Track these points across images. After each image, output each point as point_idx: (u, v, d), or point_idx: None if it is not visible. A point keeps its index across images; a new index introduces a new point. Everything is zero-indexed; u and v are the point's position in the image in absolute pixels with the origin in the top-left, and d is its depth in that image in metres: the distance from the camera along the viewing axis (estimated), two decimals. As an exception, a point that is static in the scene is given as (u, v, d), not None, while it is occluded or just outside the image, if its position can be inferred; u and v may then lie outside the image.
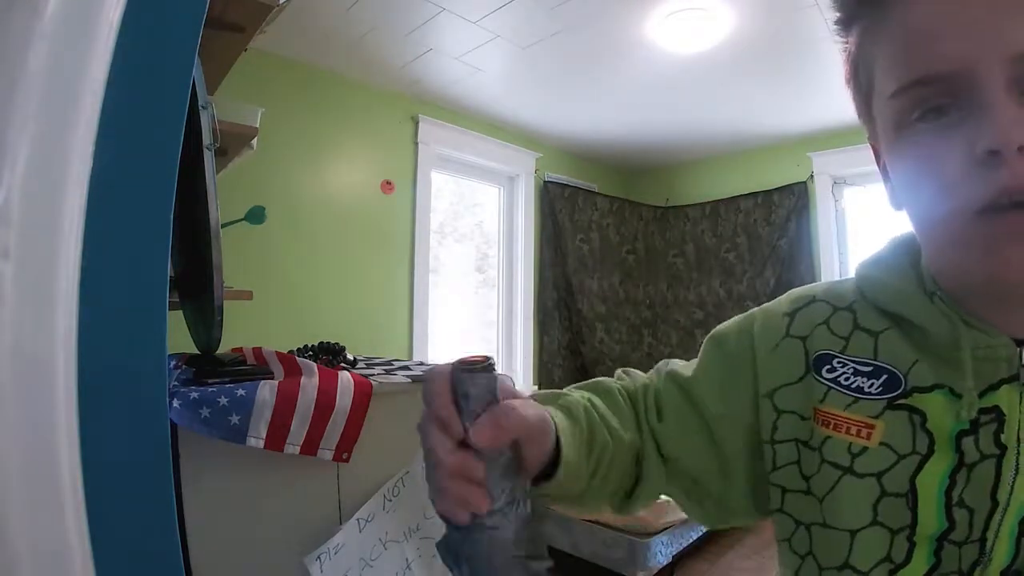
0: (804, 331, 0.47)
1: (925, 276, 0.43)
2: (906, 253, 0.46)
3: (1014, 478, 0.36)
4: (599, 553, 2.16)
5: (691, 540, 2.44)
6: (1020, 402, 0.37)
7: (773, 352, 0.48)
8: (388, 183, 2.98)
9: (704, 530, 2.54)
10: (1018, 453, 0.36)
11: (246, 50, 1.26)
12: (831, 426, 0.43)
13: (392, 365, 1.20)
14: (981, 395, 0.38)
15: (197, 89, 0.67)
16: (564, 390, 0.49)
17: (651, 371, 0.58)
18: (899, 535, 0.39)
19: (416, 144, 3.10)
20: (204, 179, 0.72)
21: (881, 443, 0.41)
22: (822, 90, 2.83)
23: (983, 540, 0.36)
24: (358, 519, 0.89)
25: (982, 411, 0.38)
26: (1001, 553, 0.36)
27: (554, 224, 3.81)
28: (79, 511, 0.36)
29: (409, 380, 0.99)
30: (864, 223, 3.45)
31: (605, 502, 0.50)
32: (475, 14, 2.24)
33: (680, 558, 2.39)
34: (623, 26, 2.30)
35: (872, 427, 0.41)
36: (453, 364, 0.34)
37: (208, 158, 0.73)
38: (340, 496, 0.89)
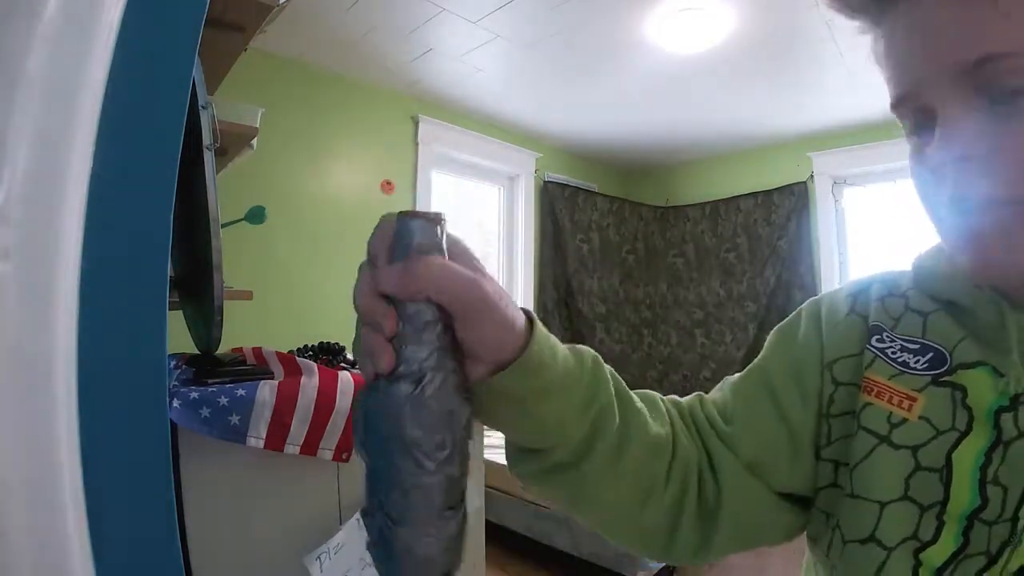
0: (865, 309, 0.48)
1: None
2: None
3: None
4: (599, 553, 2.16)
5: (691, 540, 2.44)
6: None
7: (837, 326, 0.48)
8: (388, 183, 2.98)
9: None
10: None
11: (246, 50, 1.26)
12: (873, 393, 0.43)
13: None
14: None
15: (197, 89, 0.67)
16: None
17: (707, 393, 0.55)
18: (928, 512, 0.39)
19: (416, 144, 3.10)
20: (204, 179, 0.72)
21: (921, 416, 0.41)
22: (822, 90, 2.83)
23: (1015, 519, 0.36)
24: (358, 519, 0.89)
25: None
26: None
27: (554, 224, 3.81)
28: (79, 511, 0.36)
29: (409, 380, 0.99)
30: (864, 223, 3.45)
31: (630, 517, 0.43)
32: (475, 14, 2.24)
33: (680, 558, 2.38)
34: (623, 26, 2.30)
35: (914, 399, 0.41)
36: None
37: (208, 158, 0.73)
38: (340, 496, 0.89)
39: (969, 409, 0.39)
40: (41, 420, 0.34)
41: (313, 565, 0.82)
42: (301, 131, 2.64)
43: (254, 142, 1.51)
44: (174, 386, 0.76)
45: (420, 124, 3.09)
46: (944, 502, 0.38)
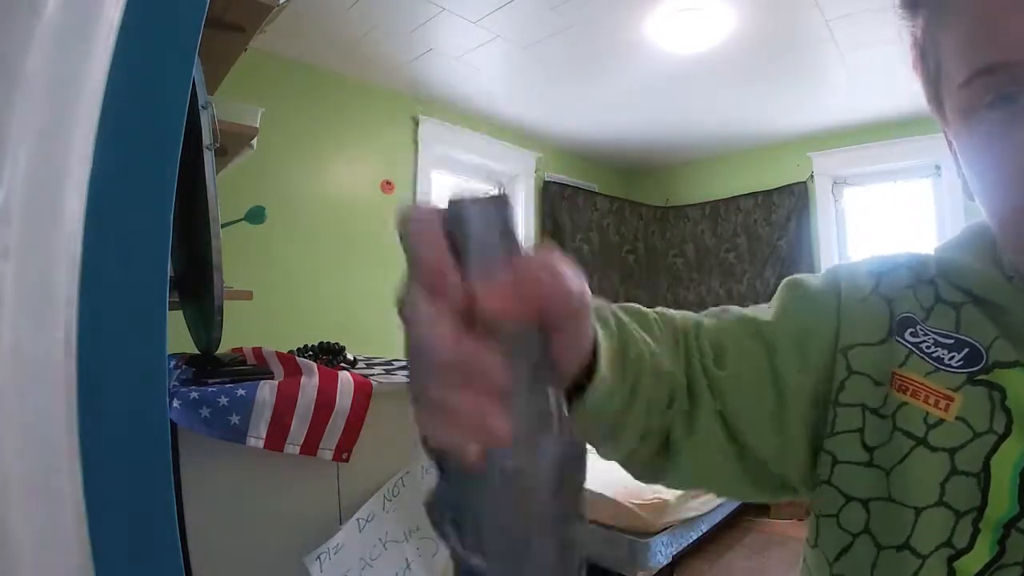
0: (891, 293, 0.44)
1: (1004, 262, 0.41)
2: (983, 239, 0.43)
3: None
4: (599, 553, 2.16)
5: (691, 540, 2.44)
6: None
7: (856, 306, 0.44)
8: (388, 183, 2.98)
9: (704, 530, 2.55)
10: None
11: (246, 50, 1.26)
12: (909, 392, 0.40)
13: (392, 365, 1.20)
14: None
15: (197, 89, 0.67)
16: None
17: (700, 313, 0.48)
18: (964, 518, 0.36)
19: (416, 144, 3.10)
20: (204, 179, 0.72)
21: (958, 417, 0.38)
22: (822, 90, 2.83)
23: None
24: (358, 519, 0.89)
25: None
26: None
27: (554, 224, 3.80)
28: (79, 511, 0.36)
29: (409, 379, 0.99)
30: (864, 223, 3.45)
31: (630, 452, 0.41)
32: (475, 14, 2.24)
33: (680, 558, 2.39)
34: (623, 26, 2.30)
35: (951, 399, 0.38)
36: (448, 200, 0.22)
37: (208, 158, 0.73)
38: (340, 496, 0.89)
39: (1008, 411, 0.36)
40: (41, 420, 0.34)
41: (313, 565, 0.82)
42: (301, 131, 2.64)
43: (254, 142, 1.51)
44: (174, 386, 0.76)
45: (420, 124, 3.09)
46: (981, 508, 0.36)
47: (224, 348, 0.94)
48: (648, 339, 0.39)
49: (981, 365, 0.38)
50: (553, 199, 3.79)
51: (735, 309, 0.47)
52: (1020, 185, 0.34)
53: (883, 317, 0.43)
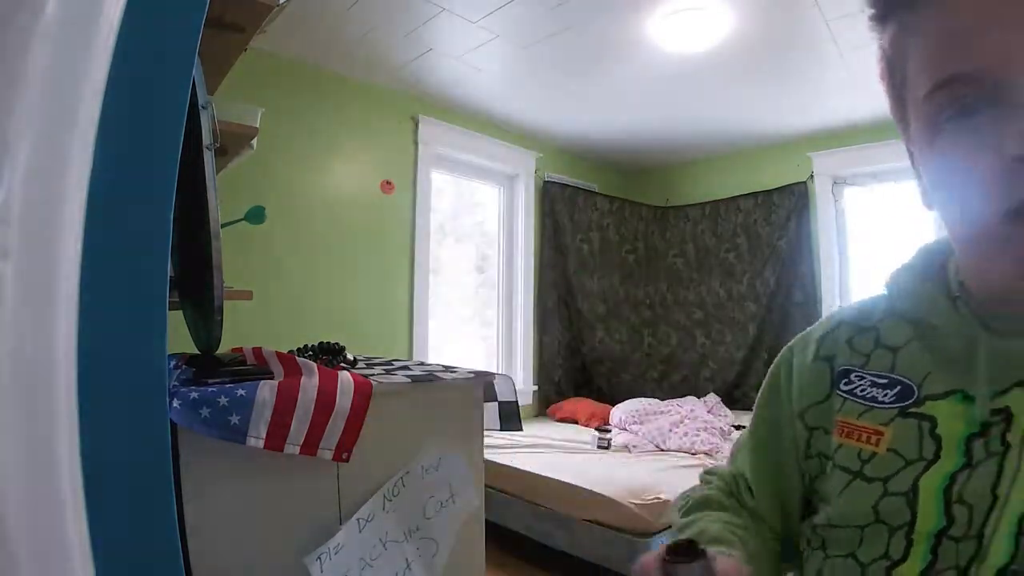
0: (830, 352, 0.50)
1: (952, 281, 0.44)
2: (933, 259, 0.47)
3: (1015, 476, 0.36)
4: (599, 553, 2.16)
5: (691, 540, 2.44)
6: None
7: (807, 372, 0.51)
8: (388, 183, 2.98)
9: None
10: (1020, 452, 0.37)
11: (246, 50, 1.26)
12: (844, 434, 0.46)
13: (392, 365, 1.20)
14: (994, 397, 0.39)
15: (197, 89, 0.67)
16: (707, 524, 0.52)
17: (727, 467, 0.62)
18: (898, 532, 0.40)
19: (416, 144, 3.10)
20: (204, 179, 0.72)
21: (889, 449, 0.43)
22: (822, 90, 2.83)
23: (980, 536, 0.37)
24: (358, 519, 0.89)
25: (993, 412, 0.39)
26: (999, 550, 0.36)
27: (554, 224, 3.80)
28: (79, 511, 0.36)
29: (409, 380, 0.99)
30: (864, 223, 3.45)
31: None
32: (475, 14, 2.24)
33: (680, 558, 2.38)
34: (623, 26, 2.30)
35: (881, 434, 0.43)
36: (660, 554, 0.37)
37: (208, 158, 0.73)
38: (340, 496, 0.89)
39: (938, 438, 0.41)
40: (41, 420, 0.34)
41: (313, 565, 0.82)
42: (301, 131, 2.64)
43: (254, 142, 1.50)
44: (174, 386, 0.76)
45: (420, 124, 3.09)
46: (912, 523, 0.40)
47: (224, 348, 0.94)
48: (742, 531, 0.51)
49: (912, 399, 0.43)
50: (553, 199, 3.79)
51: (743, 441, 0.59)
52: (975, 195, 0.35)
53: (825, 377, 0.49)
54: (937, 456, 0.40)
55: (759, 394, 0.57)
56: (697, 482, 0.64)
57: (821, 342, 0.51)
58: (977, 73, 0.34)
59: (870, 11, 0.41)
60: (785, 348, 0.56)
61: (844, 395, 0.47)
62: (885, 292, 0.49)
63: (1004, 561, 0.36)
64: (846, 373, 0.48)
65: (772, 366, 0.56)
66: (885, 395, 0.44)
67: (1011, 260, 0.36)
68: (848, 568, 0.43)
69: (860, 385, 0.46)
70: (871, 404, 0.45)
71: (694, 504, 0.57)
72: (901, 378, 0.44)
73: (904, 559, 0.40)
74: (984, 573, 0.36)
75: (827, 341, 0.51)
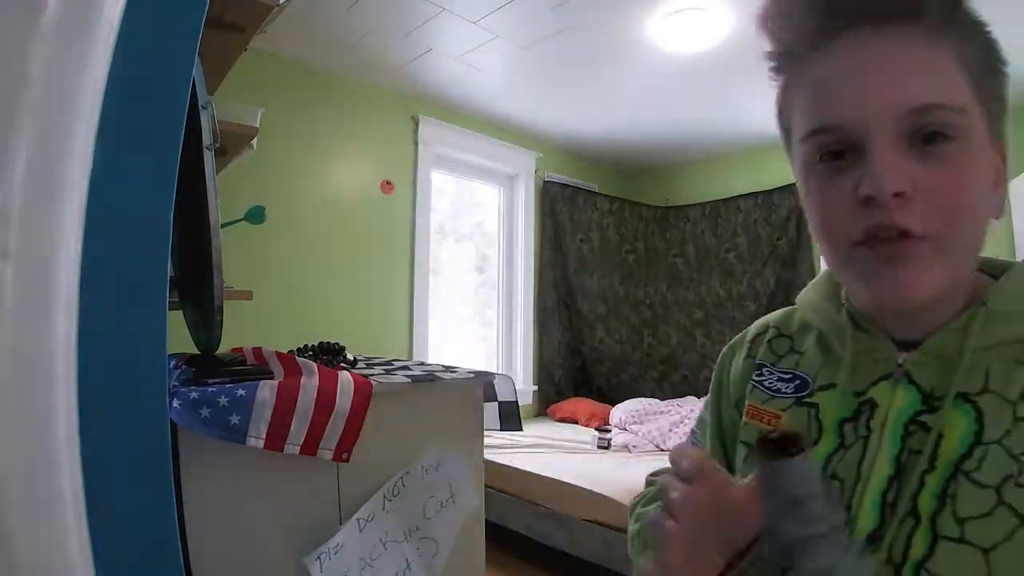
0: (755, 352, 0.59)
1: (844, 296, 0.53)
2: (830, 280, 0.56)
3: (875, 455, 0.44)
4: (599, 553, 2.16)
5: (691, 540, 2.44)
6: (892, 395, 0.45)
7: (738, 371, 0.60)
8: (388, 183, 2.98)
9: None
10: (881, 436, 0.44)
11: (246, 50, 1.26)
12: (750, 415, 0.55)
13: (392, 365, 1.20)
14: (865, 390, 0.47)
15: (197, 89, 0.67)
16: None
17: None
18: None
19: (416, 144, 3.10)
20: (204, 179, 0.72)
21: None
22: (822, 90, 2.83)
23: (849, 507, 0.44)
24: (358, 519, 0.89)
25: (863, 403, 0.47)
26: (865, 519, 0.43)
27: (554, 224, 3.80)
28: (79, 511, 0.36)
29: (409, 380, 0.99)
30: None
31: None
32: (475, 14, 2.24)
33: (680, 558, 2.38)
34: (623, 26, 2.31)
35: (779, 417, 0.52)
36: (756, 447, 0.37)
37: (208, 158, 0.73)
38: (340, 496, 0.89)
39: (820, 422, 0.49)
40: (41, 420, 0.34)
41: (313, 565, 0.82)
42: (301, 131, 2.64)
43: (254, 142, 1.51)
44: (174, 386, 0.76)
45: (420, 124, 3.09)
46: None
47: (224, 348, 0.94)
48: None
49: (807, 391, 0.52)
50: (553, 199, 3.79)
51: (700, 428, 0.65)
52: (840, 229, 0.42)
53: (748, 369, 0.58)
54: (820, 436, 0.48)
55: (711, 384, 0.64)
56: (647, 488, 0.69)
57: (752, 343, 0.60)
58: (840, 125, 0.41)
59: (769, 64, 0.49)
60: (727, 346, 0.64)
61: (754, 384, 0.56)
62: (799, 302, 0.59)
63: (872, 527, 0.43)
64: (761, 367, 0.56)
65: (718, 360, 0.64)
66: (787, 387, 0.53)
67: (863, 284, 0.43)
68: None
69: (769, 379, 0.55)
70: (775, 394, 0.53)
71: (651, 496, 0.63)
72: (801, 374, 0.53)
73: None
74: (856, 535, 0.43)
75: (757, 341, 0.60)
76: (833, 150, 0.42)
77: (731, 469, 0.58)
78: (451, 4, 2.17)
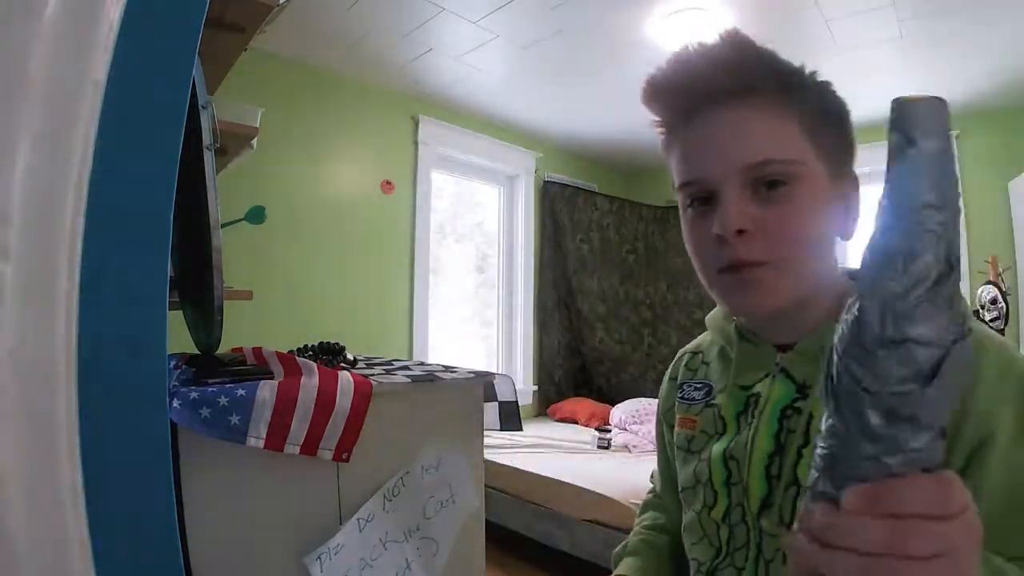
0: (675, 373, 0.73)
1: None
2: None
3: (756, 436, 0.55)
4: (599, 553, 2.16)
5: (691, 540, 2.44)
6: (771, 387, 0.56)
7: (667, 388, 0.74)
8: (388, 183, 2.98)
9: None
10: (760, 420, 0.55)
11: (246, 50, 1.26)
12: (680, 424, 0.66)
13: (392, 365, 1.20)
14: (751, 385, 0.58)
15: (197, 89, 0.67)
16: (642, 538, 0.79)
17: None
18: (707, 487, 0.59)
19: (416, 144, 3.10)
20: (204, 179, 0.72)
21: (700, 430, 0.63)
22: (822, 90, 2.83)
23: (743, 480, 0.55)
24: (358, 519, 0.89)
25: (750, 396, 0.58)
26: (755, 488, 0.54)
27: (554, 224, 3.80)
28: (79, 511, 0.36)
29: (409, 380, 0.98)
30: (863, 223, 3.45)
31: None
32: (475, 14, 2.24)
33: (680, 558, 2.38)
34: (623, 26, 2.30)
35: (695, 421, 0.64)
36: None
37: (208, 158, 0.73)
38: (340, 496, 0.89)
39: (723, 418, 0.60)
40: (41, 420, 0.34)
41: (313, 565, 0.82)
42: (301, 131, 2.64)
43: (254, 142, 1.50)
44: (174, 386, 0.76)
45: (420, 124, 3.09)
46: (711, 478, 0.59)
47: (224, 348, 0.93)
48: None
49: (711, 395, 0.63)
50: (553, 199, 3.79)
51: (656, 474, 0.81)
52: (706, 260, 0.54)
53: (673, 390, 0.71)
54: (724, 430, 0.59)
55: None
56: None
57: (673, 368, 0.74)
58: (700, 179, 0.52)
59: (656, 128, 0.59)
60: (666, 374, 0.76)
61: (679, 399, 0.68)
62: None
63: (763, 495, 0.54)
64: (680, 386, 0.68)
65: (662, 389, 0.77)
66: (699, 395, 0.65)
67: (725, 302, 0.55)
68: (691, 518, 0.62)
69: (688, 392, 0.67)
70: (691, 402, 0.65)
71: (626, 552, 0.78)
72: (708, 382, 0.65)
73: (714, 504, 0.58)
74: (753, 505, 0.54)
75: (678, 364, 0.73)
76: (699, 197, 0.53)
77: (672, 481, 0.70)
78: (451, 4, 2.17)
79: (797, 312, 0.54)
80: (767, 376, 0.57)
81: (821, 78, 0.54)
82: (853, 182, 0.55)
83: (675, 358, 0.75)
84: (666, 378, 0.74)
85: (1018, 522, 0.43)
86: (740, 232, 0.49)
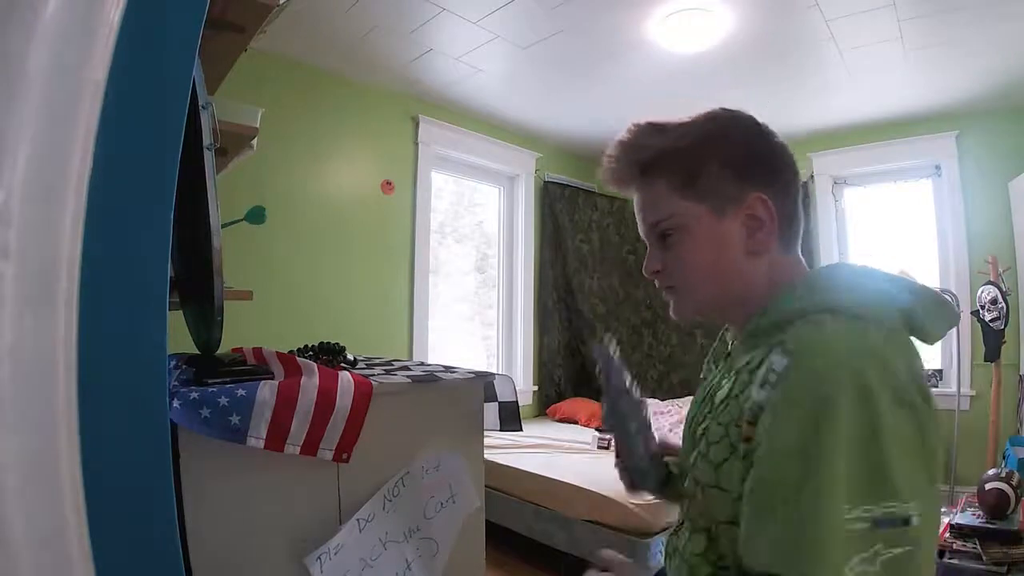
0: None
1: None
2: None
3: (692, 405, 0.74)
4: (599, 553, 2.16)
5: (691, 540, 2.44)
6: (715, 371, 0.72)
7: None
8: (388, 183, 2.98)
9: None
10: (698, 393, 0.73)
11: (246, 50, 1.26)
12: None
13: (392, 365, 1.20)
14: (713, 367, 0.77)
15: (197, 89, 0.67)
16: None
17: None
18: (686, 441, 0.73)
19: (416, 144, 3.10)
20: (204, 179, 0.72)
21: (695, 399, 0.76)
22: (822, 90, 2.83)
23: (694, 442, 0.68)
24: (358, 519, 0.89)
25: (711, 377, 0.72)
26: (685, 449, 0.71)
27: (554, 224, 3.80)
28: (79, 511, 0.36)
29: (409, 380, 0.98)
30: (864, 223, 3.45)
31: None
32: (475, 14, 2.24)
33: (680, 558, 2.38)
34: (623, 26, 2.31)
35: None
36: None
37: (208, 158, 0.73)
38: (340, 496, 0.89)
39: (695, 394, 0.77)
40: (41, 420, 0.34)
41: (313, 565, 0.82)
42: (301, 131, 2.64)
43: (254, 142, 1.50)
44: (174, 386, 0.76)
45: (420, 124, 3.09)
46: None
47: (224, 348, 0.93)
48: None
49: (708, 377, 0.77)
50: (553, 199, 3.79)
51: None
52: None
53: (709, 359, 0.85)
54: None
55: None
56: None
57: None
58: (643, 234, 0.72)
59: (621, 192, 0.73)
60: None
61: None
62: None
63: (687, 454, 0.69)
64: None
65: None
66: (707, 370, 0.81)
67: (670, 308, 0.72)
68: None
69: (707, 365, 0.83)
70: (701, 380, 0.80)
71: None
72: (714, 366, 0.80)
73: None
74: (686, 465, 0.68)
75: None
76: (650, 241, 0.71)
77: None
78: (451, 4, 2.17)
79: (734, 315, 0.69)
80: (720, 360, 0.74)
81: (695, 131, 0.66)
82: (752, 204, 0.64)
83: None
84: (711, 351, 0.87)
85: (752, 533, 0.50)
86: (655, 272, 0.70)
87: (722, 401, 0.62)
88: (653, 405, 3.29)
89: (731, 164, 0.64)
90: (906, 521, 0.45)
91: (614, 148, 0.69)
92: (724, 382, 0.65)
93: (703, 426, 0.64)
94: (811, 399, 0.48)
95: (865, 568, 0.43)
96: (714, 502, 0.58)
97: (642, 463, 0.80)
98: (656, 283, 0.71)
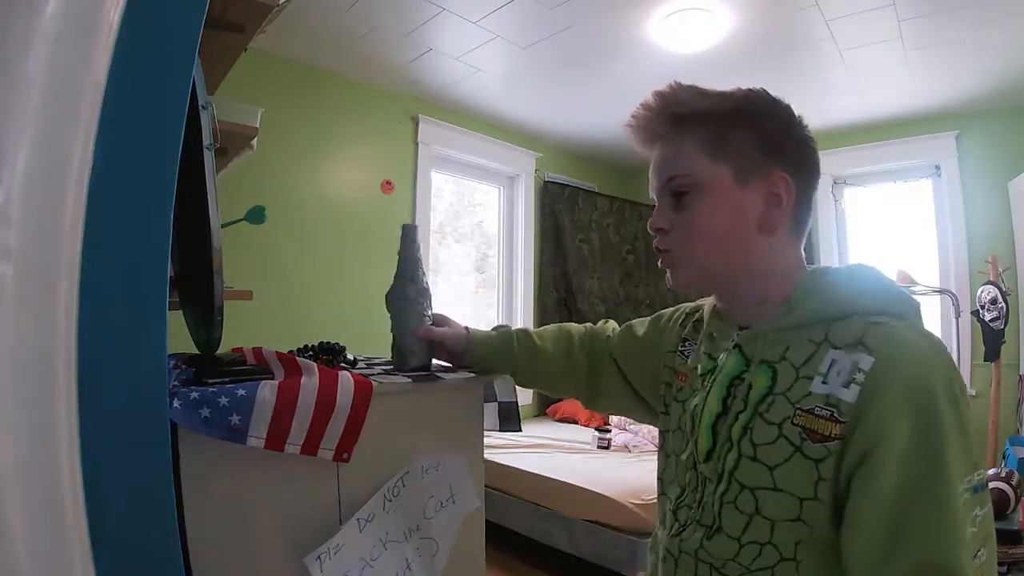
0: (681, 328, 0.84)
1: None
2: None
3: (707, 397, 0.66)
4: (599, 553, 2.16)
5: (691, 540, 2.44)
6: (727, 359, 0.67)
7: (666, 333, 0.86)
8: (388, 183, 2.98)
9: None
10: (713, 385, 0.67)
11: (246, 50, 1.26)
12: (678, 377, 0.78)
13: (392, 365, 1.20)
14: (718, 356, 0.69)
15: (197, 89, 0.67)
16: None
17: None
18: (683, 433, 0.71)
19: (416, 144, 3.10)
20: (204, 179, 0.72)
21: (688, 385, 0.74)
22: (822, 90, 2.83)
23: (695, 432, 0.67)
24: (358, 519, 0.89)
25: (715, 364, 0.68)
26: (703, 441, 0.66)
27: (554, 224, 3.80)
28: (79, 511, 0.36)
29: (409, 380, 0.98)
30: (864, 223, 3.45)
31: (571, 394, 0.96)
32: (475, 14, 2.24)
33: (680, 558, 2.38)
34: (623, 26, 2.31)
35: (687, 376, 0.75)
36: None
37: (208, 158, 0.73)
38: (340, 496, 0.89)
39: (702, 377, 0.71)
40: (41, 420, 0.34)
41: (313, 565, 0.82)
42: (301, 131, 2.64)
43: (254, 142, 1.50)
44: (174, 386, 0.76)
45: (420, 124, 3.09)
46: (685, 427, 0.71)
47: (224, 348, 0.93)
48: (548, 346, 0.94)
49: (698, 359, 0.74)
50: (553, 199, 3.79)
51: (633, 325, 0.95)
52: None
53: (677, 339, 0.82)
54: (699, 390, 0.70)
55: (647, 322, 0.92)
56: None
57: (680, 319, 0.85)
58: (653, 190, 0.70)
59: (642, 146, 0.71)
60: (655, 315, 0.92)
61: (679, 352, 0.80)
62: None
63: (707, 447, 0.65)
64: (684, 341, 0.80)
65: (658, 314, 0.91)
66: (691, 356, 0.77)
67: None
68: (668, 461, 0.76)
69: (687, 348, 0.79)
70: (686, 360, 0.77)
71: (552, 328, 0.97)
72: (698, 347, 0.77)
73: (684, 450, 0.70)
74: (700, 455, 0.66)
75: (676, 318, 0.86)
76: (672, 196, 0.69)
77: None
78: (451, 4, 2.17)
79: (749, 298, 0.67)
80: (726, 350, 0.68)
81: (736, 101, 0.66)
82: (775, 181, 0.64)
83: (682, 311, 0.86)
84: (672, 322, 0.85)
85: (901, 529, 0.50)
86: (659, 229, 0.68)
87: (763, 398, 0.60)
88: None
89: (765, 138, 0.65)
90: (984, 484, 0.53)
91: (651, 97, 0.67)
92: (746, 375, 0.63)
93: (739, 425, 0.61)
94: (915, 404, 0.52)
95: (972, 530, 0.50)
96: (768, 503, 0.58)
97: (414, 344, 0.96)
98: (656, 245, 0.70)
